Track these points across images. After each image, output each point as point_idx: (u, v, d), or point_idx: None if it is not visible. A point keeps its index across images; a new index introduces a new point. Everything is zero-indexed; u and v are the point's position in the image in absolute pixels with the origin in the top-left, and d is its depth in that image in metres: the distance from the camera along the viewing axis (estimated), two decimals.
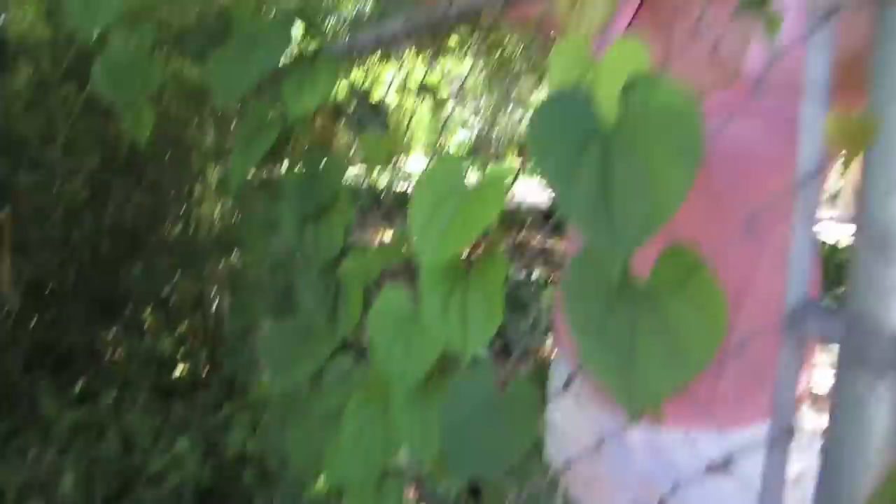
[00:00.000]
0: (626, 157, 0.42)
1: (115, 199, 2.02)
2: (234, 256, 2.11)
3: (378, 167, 1.00)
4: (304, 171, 1.07)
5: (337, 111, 1.12)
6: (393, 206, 1.11)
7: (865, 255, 0.31)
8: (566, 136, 0.44)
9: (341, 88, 1.11)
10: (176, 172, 2.12)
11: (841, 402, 0.32)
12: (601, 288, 0.43)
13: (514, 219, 6.31)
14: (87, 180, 1.91)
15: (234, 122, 2.09)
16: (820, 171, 0.35)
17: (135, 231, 2.04)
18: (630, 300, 0.43)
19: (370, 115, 1.08)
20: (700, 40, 0.66)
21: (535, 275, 4.43)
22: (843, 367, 0.32)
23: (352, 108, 1.10)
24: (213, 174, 2.20)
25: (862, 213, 0.31)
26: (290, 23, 0.94)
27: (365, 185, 1.42)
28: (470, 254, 0.62)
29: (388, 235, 1.00)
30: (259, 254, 1.52)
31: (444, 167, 0.62)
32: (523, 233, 6.43)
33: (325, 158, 1.08)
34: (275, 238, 1.24)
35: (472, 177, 0.61)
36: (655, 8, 0.73)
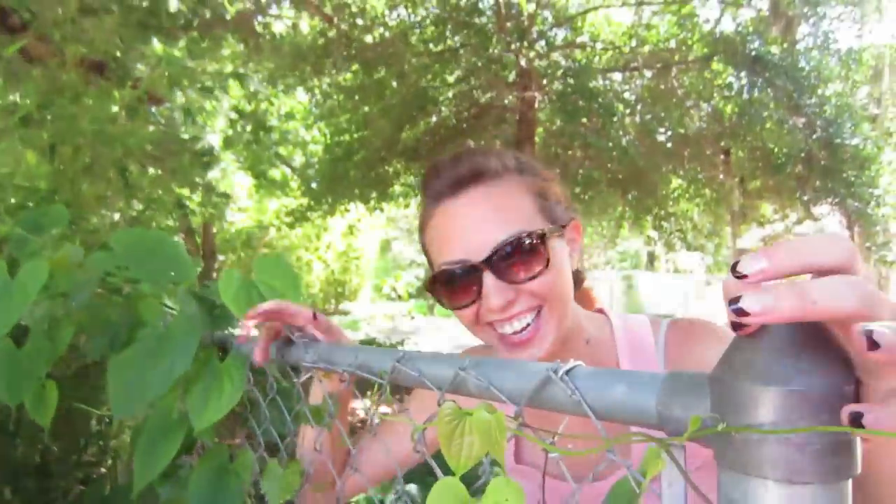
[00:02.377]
0: None
1: None
2: None
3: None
4: (209, 470, 0.97)
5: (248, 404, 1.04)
6: None
7: None
8: None
9: None
10: (68, 467, 1.84)
11: None
12: None
13: None
14: None
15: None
16: None
17: None
18: None
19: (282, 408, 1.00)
20: None
21: None
22: None
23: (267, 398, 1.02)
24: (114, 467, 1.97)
25: None
26: (197, 325, 0.89)
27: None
28: None
29: None
30: None
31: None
32: None
33: (234, 457, 0.99)
34: None
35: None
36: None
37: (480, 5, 7.99)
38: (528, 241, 0.76)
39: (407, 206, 12.46)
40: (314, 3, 6.56)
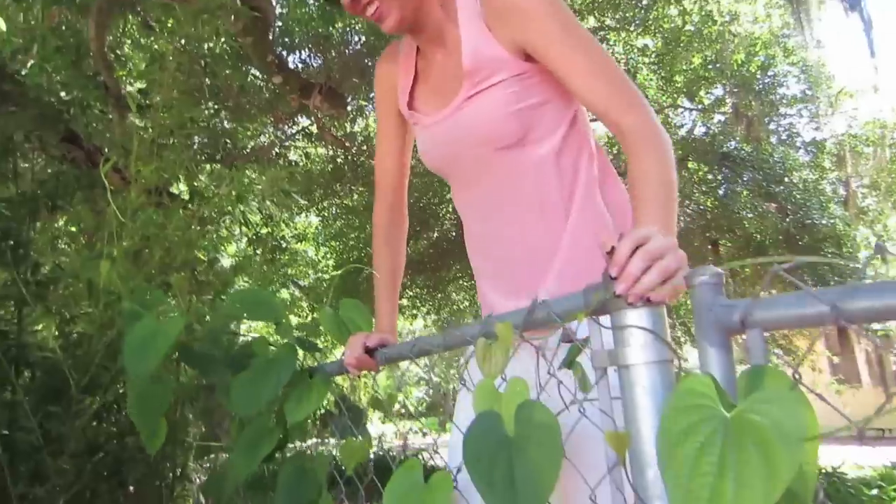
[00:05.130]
0: (522, 458, 0.68)
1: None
2: None
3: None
4: (294, 467, 1.28)
5: (324, 418, 1.37)
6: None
7: None
8: (486, 446, 0.71)
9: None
10: (158, 472, 2.20)
11: None
12: None
13: None
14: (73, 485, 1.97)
15: (221, 421, 2.24)
16: None
17: None
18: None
19: (351, 419, 1.32)
20: None
21: None
22: None
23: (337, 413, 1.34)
24: (194, 471, 2.30)
25: None
26: (295, 351, 1.25)
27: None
28: None
29: None
30: None
31: (405, 475, 0.87)
32: None
33: (313, 456, 1.30)
34: None
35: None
36: None
37: None
38: None
39: (414, 318, 12.82)
40: (331, 133, 7.33)
